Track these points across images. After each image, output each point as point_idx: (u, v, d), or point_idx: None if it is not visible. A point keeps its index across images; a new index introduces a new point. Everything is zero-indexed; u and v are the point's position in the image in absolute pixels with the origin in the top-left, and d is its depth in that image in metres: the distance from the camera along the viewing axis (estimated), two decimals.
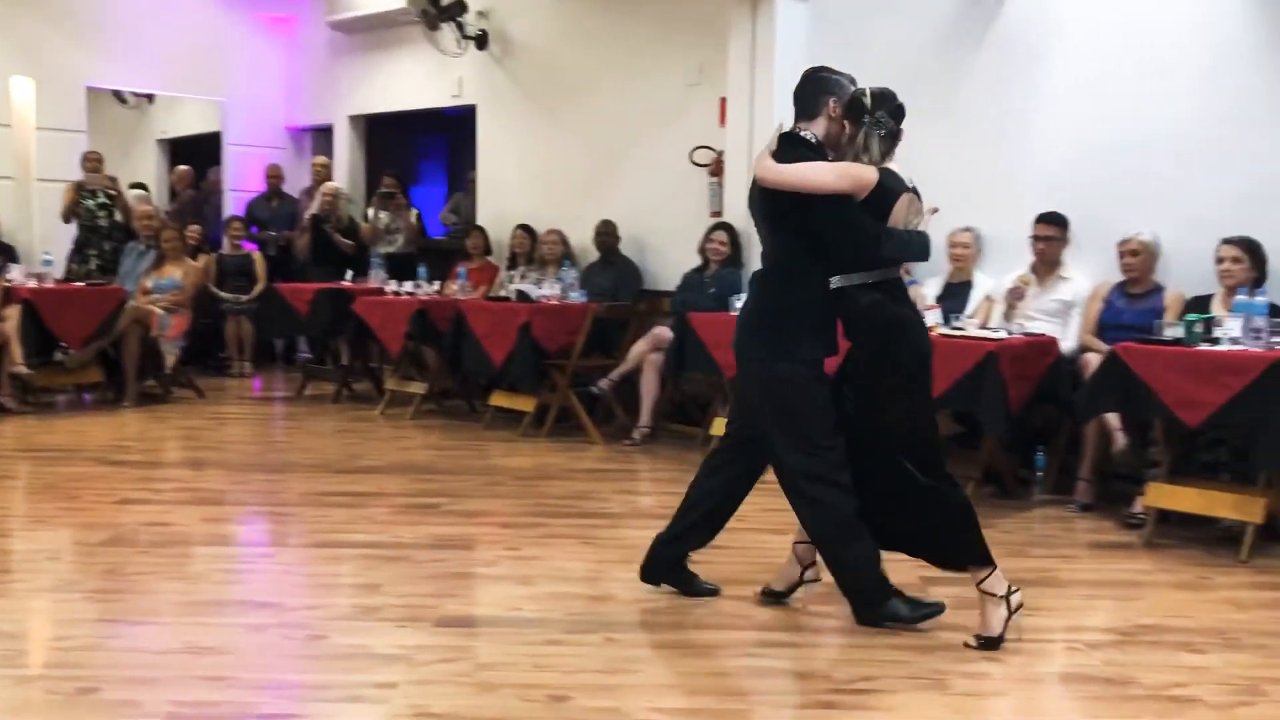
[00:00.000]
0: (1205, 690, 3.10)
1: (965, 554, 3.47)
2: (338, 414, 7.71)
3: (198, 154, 10.83)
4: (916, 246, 3.54)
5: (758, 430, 3.65)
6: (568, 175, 8.37)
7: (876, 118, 3.48)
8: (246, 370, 9.32)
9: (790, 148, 3.52)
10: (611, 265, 7.66)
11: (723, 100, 7.17)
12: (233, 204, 10.37)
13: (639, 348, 6.89)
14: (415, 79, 9.50)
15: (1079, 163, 5.83)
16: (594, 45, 8.20)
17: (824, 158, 3.54)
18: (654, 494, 5.69)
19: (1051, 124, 5.94)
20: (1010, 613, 3.39)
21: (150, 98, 11.20)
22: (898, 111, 3.52)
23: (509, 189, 8.80)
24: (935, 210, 3.68)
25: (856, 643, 3.46)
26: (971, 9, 6.27)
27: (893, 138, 3.51)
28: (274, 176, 10.13)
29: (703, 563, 3.95)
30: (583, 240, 7.92)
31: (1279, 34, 5.30)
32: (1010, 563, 4.38)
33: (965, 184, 6.25)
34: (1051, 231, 5.70)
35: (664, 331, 6.78)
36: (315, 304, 8.06)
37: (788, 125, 3.62)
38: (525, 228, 8.20)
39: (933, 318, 5.39)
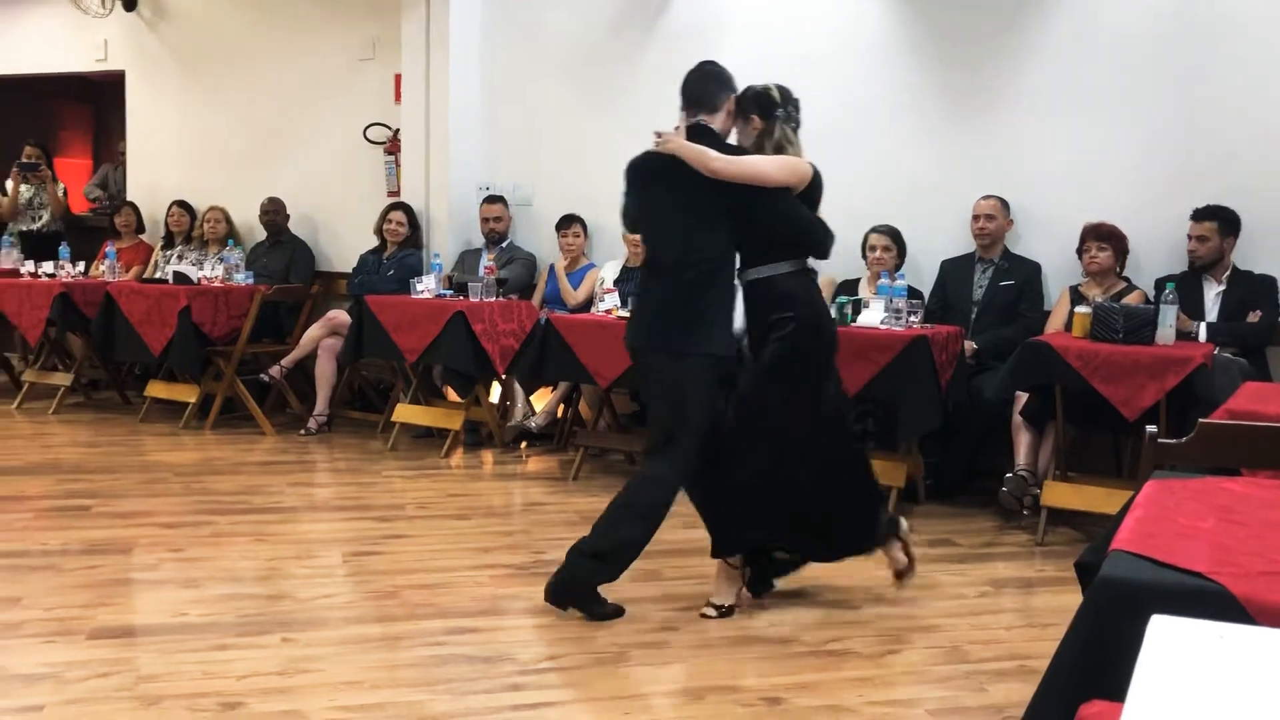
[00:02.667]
0: (859, 643, 3.37)
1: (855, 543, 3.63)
2: None
3: None
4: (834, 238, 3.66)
5: (652, 417, 3.63)
6: (230, 149, 7.88)
7: (788, 111, 3.58)
8: None
9: (705, 139, 3.50)
10: (281, 245, 7.30)
11: (398, 77, 7.00)
12: None
13: (313, 332, 6.62)
14: (52, 39, 8.60)
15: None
16: (258, 12, 7.75)
17: (736, 150, 3.56)
18: (332, 485, 5.49)
19: None
20: (744, 585, 3.64)
21: None
22: (798, 105, 3.63)
23: (164, 162, 8.17)
24: None
25: (540, 623, 3.49)
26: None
27: (798, 129, 3.62)
28: None
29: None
30: (248, 219, 7.50)
31: (915, 40, 5.82)
32: (683, 533, 4.57)
33: None
34: None
35: (340, 315, 6.55)
36: None
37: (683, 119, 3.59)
38: (183, 204, 7.67)
39: (611, 301, 5.53)
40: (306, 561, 4.08)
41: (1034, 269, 5.45)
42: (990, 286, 5.44)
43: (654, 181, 3.60)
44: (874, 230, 5.55)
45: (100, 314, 6.52)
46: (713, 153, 3.45)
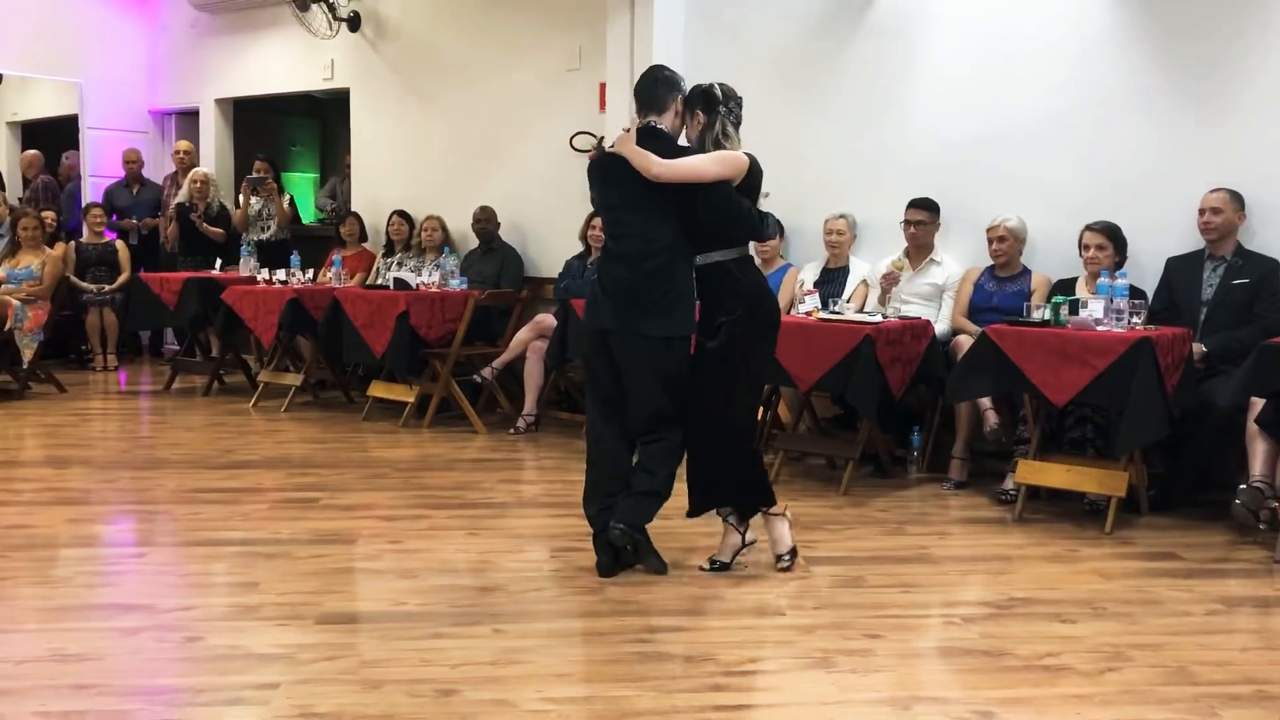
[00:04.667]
0: (1076, 658, 3.22)
1: (765, 499, 3.99)
2: (209, 408, 7.47)
3: (54, 138, 10.31)
4: (773, 227, 3.95)
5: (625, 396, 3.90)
6: (445, 161, 8.24)
7: (730, 107, 3.89)
8: (110, 363, 8.95)
9: (653, 140, 3.81)
10: (493, 252, 7.58)
11: (602, 86, 7.14)
12: (91, 190, 9.92)
13: (522, 335, 6.84)
14: (285, 61, 9.23)
15: (950, 149, 5.98)
16: (470, 28, 8.08)
17: (679, 149, 3.88)
18: (540, 483, 5.66)
19: (923, 111, 6.08)
20: (789, 522, 4.02)
21: None
22: (740, 102, 3.94)
23: (384, 174, 8.63)
24: (767, 194, 4.21)
25: (743, 624, 3.49)
26: None
27: (738, 124, 3.91)
28: (131, 162, 9.72)
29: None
30: (461, 227, 7.82)
31: (1138, 28, 5.52)
32: (887, 540, 4.50)
33: (840, 170, 6.38)
34: (923, 216, 5.84)
35: (547, 319, 6.74)
36: (183, 294, 7.80)
37: (635, 120, 3.93)
38: (402, 214, 8.06)
39: (811, 302, 5.48)
40: (516, 555, 4.21)
41: (1272, 266, 5.06)
42: (1221, 285, 5.09)
43: (610, 179, 3.92)
44: (1088, 228, 5.29)
45: (326, 318, 6.93)
46: (654, 158, 3.74)
